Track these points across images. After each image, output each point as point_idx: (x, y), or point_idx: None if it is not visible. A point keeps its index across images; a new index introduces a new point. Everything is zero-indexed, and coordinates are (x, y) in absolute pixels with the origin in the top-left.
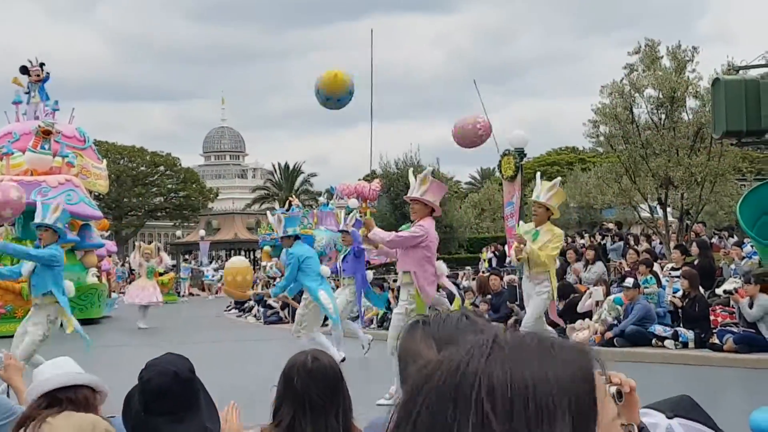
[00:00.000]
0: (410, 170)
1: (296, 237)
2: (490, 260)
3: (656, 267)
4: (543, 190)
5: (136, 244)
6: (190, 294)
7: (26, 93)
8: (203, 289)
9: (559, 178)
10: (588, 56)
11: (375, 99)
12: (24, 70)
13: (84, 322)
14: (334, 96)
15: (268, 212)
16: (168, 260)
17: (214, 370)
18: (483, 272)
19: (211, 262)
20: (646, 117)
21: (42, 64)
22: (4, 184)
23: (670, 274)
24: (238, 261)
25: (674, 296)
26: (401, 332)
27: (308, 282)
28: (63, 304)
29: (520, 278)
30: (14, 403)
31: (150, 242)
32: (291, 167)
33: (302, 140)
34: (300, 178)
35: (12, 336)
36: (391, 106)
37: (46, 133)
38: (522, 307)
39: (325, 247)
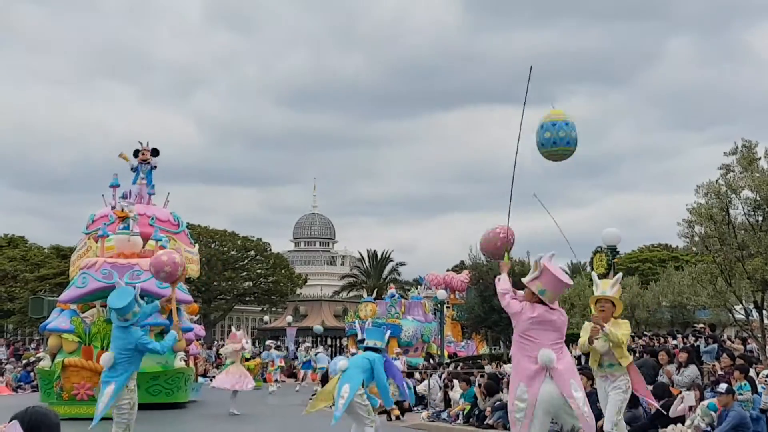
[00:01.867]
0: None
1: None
2: (579, 357)
3: (752, 372)
4: (608, 286)
5: (235, 331)
6: (283, 381)
7: (133, 170)
8: (289, 376)
9: (620, 274)
10: (681, 152)
11: (464, 189)
12: (135, 153)
13: (170, 406)
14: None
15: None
16: (250, 346)
17: None
18: None
19: (297, 349)
20: (743, 218)
21: (155, 152)
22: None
23: (766, 380)
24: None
25: None
26: None
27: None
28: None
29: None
30: None
31: (238, 327)
32: (380, 256)
33: (389, 228)
34: (388, 267)
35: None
36: (479, 196)
37: (122, 218)
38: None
39: (411, 337)
